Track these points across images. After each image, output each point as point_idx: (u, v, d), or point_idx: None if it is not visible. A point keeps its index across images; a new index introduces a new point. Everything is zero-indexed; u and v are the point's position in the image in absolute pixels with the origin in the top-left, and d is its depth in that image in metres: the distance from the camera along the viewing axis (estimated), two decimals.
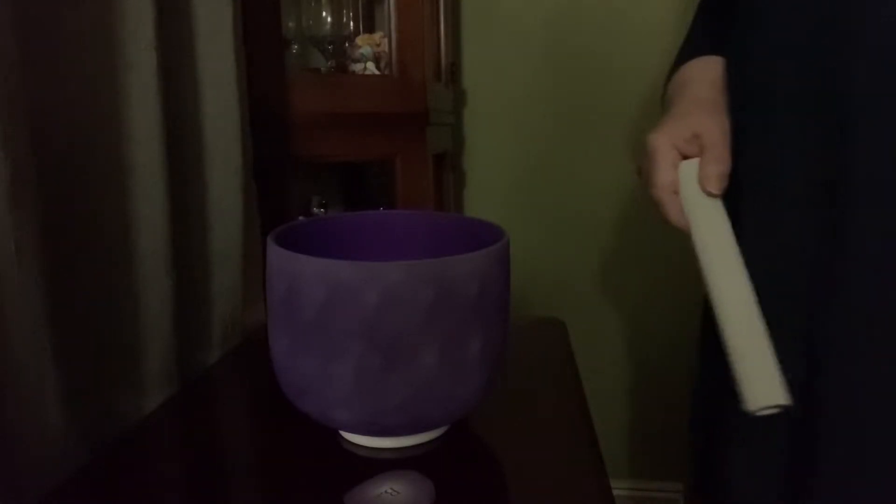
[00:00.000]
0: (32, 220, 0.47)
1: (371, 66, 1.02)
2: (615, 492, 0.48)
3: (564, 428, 0.57)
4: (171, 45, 0.65)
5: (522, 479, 0.50)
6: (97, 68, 0.56)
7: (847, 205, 0.55)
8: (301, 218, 0.98)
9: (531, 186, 1.42)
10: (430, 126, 1.03)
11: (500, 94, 1.39)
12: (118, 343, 0.60)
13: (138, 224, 0.61)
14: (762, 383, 0.49)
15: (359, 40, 1.04)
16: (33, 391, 0.49)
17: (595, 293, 1.44)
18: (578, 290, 1.44)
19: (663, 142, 0.58)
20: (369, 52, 1.02)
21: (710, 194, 0.55)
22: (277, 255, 0.48)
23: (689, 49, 0.70)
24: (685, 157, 0.58)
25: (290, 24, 1.03)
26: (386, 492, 0.45)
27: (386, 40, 1.01)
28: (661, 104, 0.71)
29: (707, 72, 0.65)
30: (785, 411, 0.49)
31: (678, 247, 1.38)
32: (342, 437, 0.54)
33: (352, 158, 1.10)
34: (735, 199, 0.59)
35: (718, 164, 0.56)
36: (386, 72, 1.02)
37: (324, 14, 1.04)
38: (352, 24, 1.09)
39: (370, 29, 1.22)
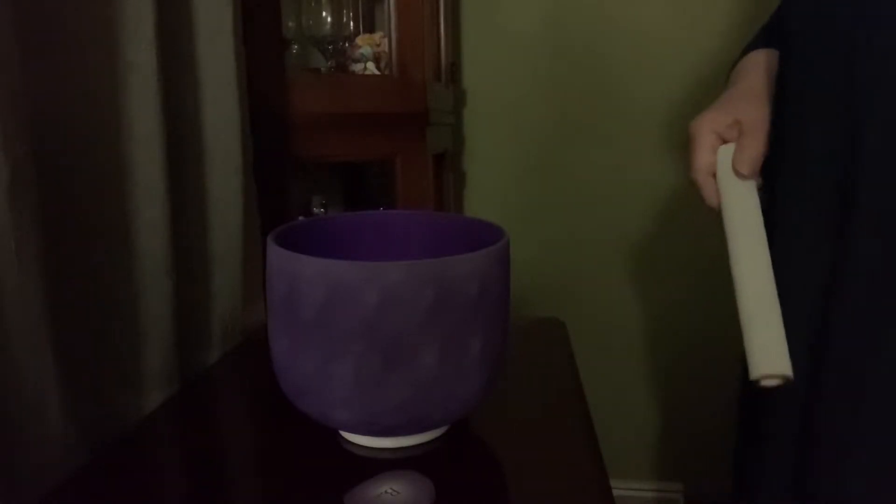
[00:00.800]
0: (32, 220, 0.47)
1: (371, 66, 1.02)
2: (615, 492, 0.48)
3: (564, 428, 0.57)
4: (171, 45, 0.65)
5: (522, 479, 0.50)
6: (97, 68, 0.57)
7: (854, 202, 0.56)
8: (301, 218, 0.98)
9: (531, 186, 1.42)
10: (430, 126, 1.03)
11: (500, 94, 1.39)
12: (118, 343, 0.60)
13: (138, 224, 0.61)
14: (769, 352, 0.51)
15: (359, 40, 1.04)
16: (33, 391, 0.49)
17: (595, 293, 1.44)
18: (578, 291, 1.44)
19: (703, 126, 0.62)
20: (369, 52, 1.02)
21: (741, 176, 0.59)
22: (277, 255, 0.48)
23: (753, 42, 0.72)
24: (725, 143, 0.61)
25: (290, 24, 1.03)
26: (386, 492, 0.45)
27: (386, 40, 1.01)
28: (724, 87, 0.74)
29: (760, 63, 0.68)
30: (787, 385, 0.50)
31: (679, 246, 1.38)
32: (342, 437, 0.54)
33: (352, 158, 1.10)
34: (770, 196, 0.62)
35: (752, 148, 0.59)
36: (386, 72, 1.02)
37: (324, 14, 1.04)
38: (352, 24, 1.09)
39: (370, 29, 1.22)
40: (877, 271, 0.55)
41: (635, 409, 1.48)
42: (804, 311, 0.59)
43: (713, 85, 1.27)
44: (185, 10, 0.68)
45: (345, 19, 1.06)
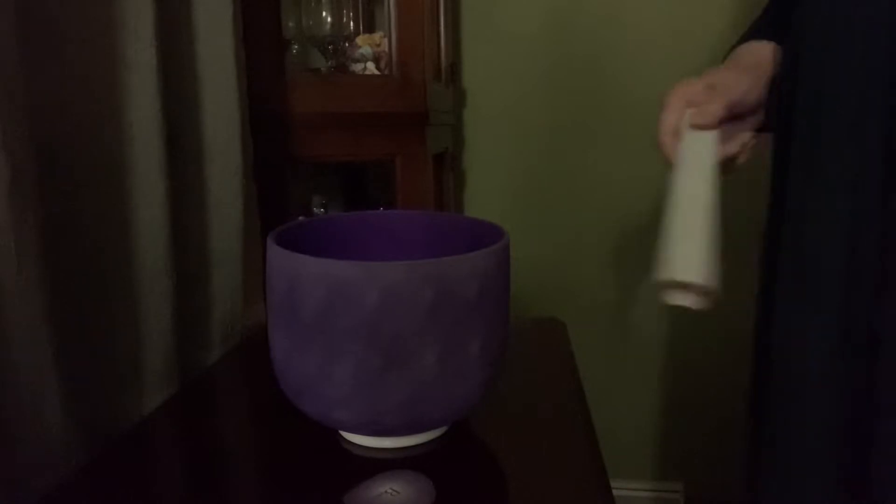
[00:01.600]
0: (32, 220, 0.47)
1: (371, 66, 1.02)
2: (615, 492, 0.48)
3: (564, 428, 0.57)
4: (170, 44, 0.65)
5: (522, 479, 0.50)
6: (97, 68, 0.57)
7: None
8: (301, 218, 0.98)
9: (531, 186, 1.42)
10: (430, 126, 1.03)
11: (500, 94, 1.39)
12: (118, 343, 0.60)
13: (138, 224, 0.61)
14: (687, 259, 0.50)
15: (359, 40, 1.04)
16: (33, 391, 0.49)
17: (595, 293, 1.44)
18: (578, 291, 1.44)
19: (675, 91, 0.65)
20: (369, 52, 1.02)
21: (696, 126, 0.61)
22: (277, 255, 0.48)
23: (747, 35, 0.73)
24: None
25: (290, 24, 1.03)
26: (386, 492, 0.45)
27: (386, 40, 1.01)
28: None
29: (751, 51, 0.69)
30: (705, 301, 0.49)
31: None
32: (342, 437, 0.54)
33: (352, 158, 1.10)
34: (781, 198, 0.63)
35: (711, 103, 0.61)
36: (386, 72, 1.01)
37: (324, 14, 1.04)
38: (352, 24, 1.09)
39: (370, 29, 1.22)
40: None
41: (635, 409, 1.48)
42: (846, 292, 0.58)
43: None
44: (185, 9, 0.68)
45: (345, 19, 1.06)
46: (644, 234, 1.40)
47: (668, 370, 1.45)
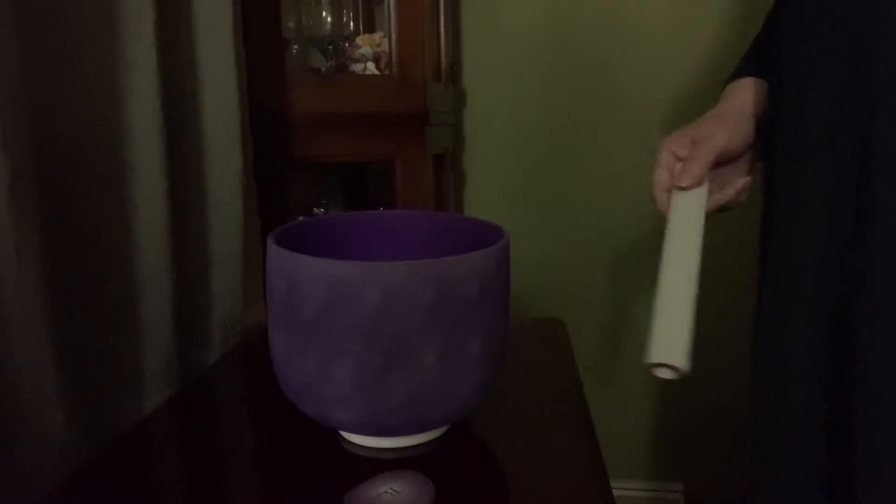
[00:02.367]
0: (32, 220, 0.47)
1: (371, 66, 1.02)
2: (615, 492, 0.48)
3: (564, 428, 0.57)
4: (171, 45, 0.65)
5: (522, 479, 0.50)
6: (97, 68, 0.56)
7: (871, 208, 0.56)
8: (301, 218, 0.98)
9: (531, 186, 1.42)
10: (430, 126, 1.03)
11: (500, 94, 1.39)
12: (118, 343, 0.60)
13: (138, 224, 0.61)
14: (667, 343, 0.53)
15: (359, 40, 1.04)
16: (33, 391, 0.49)
17: (595, 293, 1.44)
18: (578, 291, 1.44)
19: (664, 147, 0.67)
20: (369, 52, 1.02)
21: (680, 188, 0.64)
22: (277, 255, 0.48)
23: (736, 71, 0.74)
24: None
25: (290, 24, 1.03)
26: (386, 492, 0.45)
27: (386, 40, 1.01)
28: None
29: (741, 88, 0.70)
30: (681, 377, 0.52)
31: None
32: (342, 437, 0.54)
33: (352, 158, 1.10)
34: (767, 207, 0.66)
35: (694, 162, 0.63)
36: (386, 72, 1.02)
37: (324, 14, 1.04)
38: (352, 24, 1.09)
39: (370, 29, 1.22)
40: None
41: (635, 408, 1.48)
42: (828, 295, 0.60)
43: (714, 85, 1.27)
44: (185, 9, 0.68)
45: (345, 19, 1.06)
46: (644, 234, 1.40)
47: None
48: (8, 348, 0.46)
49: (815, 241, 0.60)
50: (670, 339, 0.53)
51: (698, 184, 0.63)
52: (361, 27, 1.19)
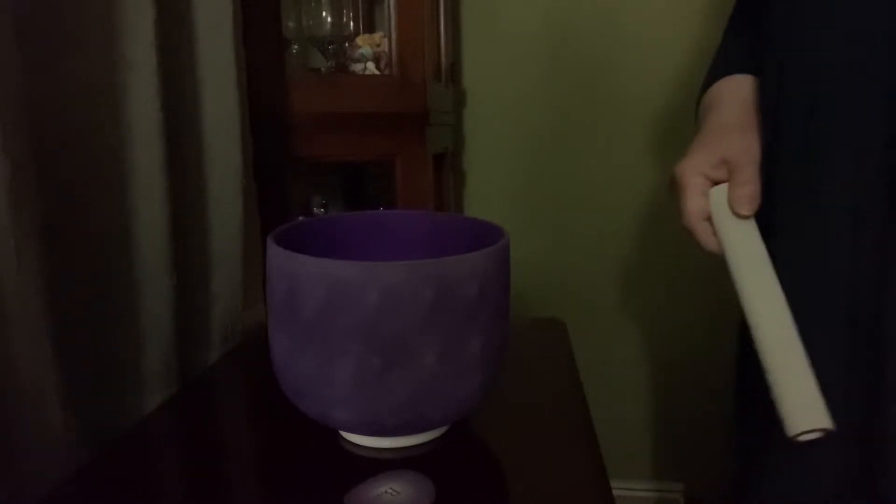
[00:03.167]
0: (32, 220, 0.47)
1: (371, 66, 1.02)
2: (615, 492, 0.48)
3: (564, 428, 0.57)
4: (171, 45, 0.65)
5: (522, 479, 0.50)
6: (97, 68, 0.56)
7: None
8: (301, 218, 0.98)
9: (531, 186, 1.42)
10: (430, 126, 1.03)
11: (500, 94, 1.39)
12: (118, 343, 0.60)
13: (138, 224, 0.61)
14: (803, 407, 0.48)
15: (359, 40, 1.04)
16: (33, 391, 0.49)
17: (595, 293, 1.44)
18: (578, 290, 1.44)
19: (690, 171, 0.59)
20: (369, 52, 1.02)
21: (741, 216, 0.56)
22: (277, 255, 0.48)
23: (721, 65, 0.69)
24: (715, 183, 0.59)
25: (290, 24, 1.03)
26: (386, 492, 0.45)
27: (386, 40, 1.01)
28: (694, 120, 0.71)
29: (737, 92, 0.65)
30: (827, 435, 0.48)
31: (679, 246, 1.38)
32: (342, 437, 0.54)
33: (352, 158, 1.10)
34: (769, 214, 0.59)
35: (747, 185, 0.56)
36: (386, 72, 1.02)
37: (324, 14, 1.04)
38: (352, 24, 1.09)
39: (370, 29, 1.22)
40: None
41: (635, 409, 1.48)
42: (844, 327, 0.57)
43: None
44: (185, 9, 0.68)
45: (345, 19, 1.06)
46: (644, 234, 1.40)
47: (669, 370, 1.45)
48: (8, 348, 0.46)
49: (840, 246, 0.57)
50: (805, 404, 0.48)
51: (756, 209, 0.56)
52: (361, 27, 1.19)
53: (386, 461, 0.51)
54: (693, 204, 0.58)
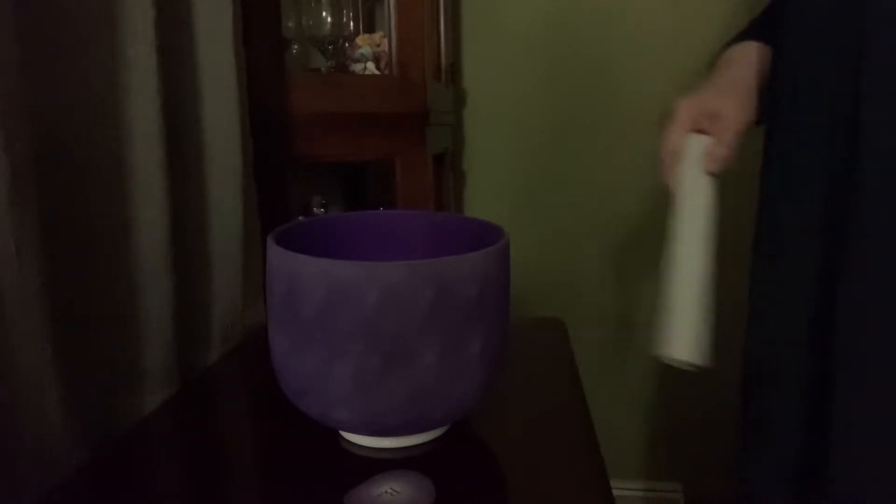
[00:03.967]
0: (32, 220, 0.47)
1: (371, 66, 1.02)
2: (615, 492, 0.48)
3: (564, 428, 0.57)
4: (171, 45, 0.65)
5: (522, 479, 0.50)
6: (97, 68, 0.56)
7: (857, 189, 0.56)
8: (301, 218, 0.98)
9: (531, 186, 1.42)
10: (430, 126, 1.03)
11: (500, 94, 1.39)
12: (118, 343, 0.60)
13: (138, 224, 0.61)
14: (687, 339, 0.53)
15: (359, 40, 1.04)
16: (33, 391, 0.49)
17: (595, 293, 1.44)
18: (578, 290, 1.44)
19: (684, 110, 0.64)
20: (369, 52, 1.02)
21: (709, 172, 0.62)
22: (277, 255, 0.48)
23: (741, 34, 0.73)
24: (700, 132, 0.64)
25: (290, 24, 1.03)
26: (386, 492, 0.45)
27: (386, 40, 1.01)
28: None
29: (748, 55, 0.69)
30: (696, 371, 0.53)
31: None
32: (342, 437, 0.54)
33: (352, 158, 1.10)
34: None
35: (726, 148, 0.61)
36: (386, 72, 1.02)
37: (324, 14, 1.04)
38: (352, 24, 1.09)
39: (370, 29, 1.22)
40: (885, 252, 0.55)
41: (635, 408, 1.48)
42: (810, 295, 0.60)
43: None
44: (185, 9, 0.68)
45: (345, 19, 1.06)
46: (644, 234, 1.40)
47: (668, 370, 1.45)
48: (8, 348, 0.46)
49: (808, 213, 0.61)
50: (691, 336, 0.53)
51: (722, 171, 0.62)
52: (361, 27, 1.19)
53: (386, 461, 0.51)
54: (671, 140, 0.64)
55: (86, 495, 0.48)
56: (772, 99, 0.66)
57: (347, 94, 0.96)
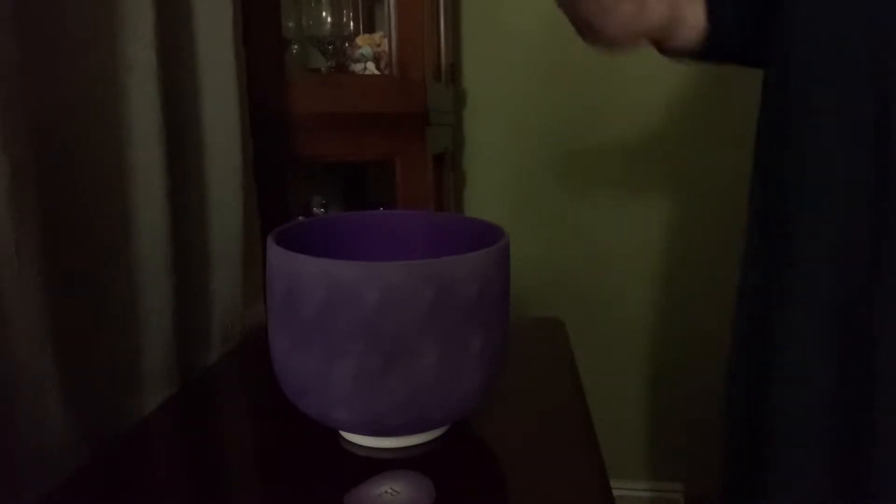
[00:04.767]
0: (32, 220, 0.47)
1: (371, 66, 1.02)
2: (615, 492, 0.48)
3: (564, 428, 0.57)
4: (171, 45, 0.65)
5: (522, 479, 0.50)
6: (97, 68, 0.56)
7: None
8: (301, 218, 0.98)
9: (531, 186, 1.42)
10: (430, 126, 1.03)
11: (500, 94, 1.39)
12: (118, 343, 0.60)
13: (138, 224, 0.61)
14: None
15: (359, 40, 1.04)
16: (33, 391, 0.49)
17: (595, 293, 1.44)
18: (578, 290, 1.44)
19: None
20: (369, 52, 1.02)
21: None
22: (277, 255, 0.48)
23: None
24: None
25: (290, 24, 1.03)
26: (386, 492, 0.45)
27: (386, 40, 1.01)
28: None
29: None
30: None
31: (679, 246, 1.38)
32: (342, 437, 0.54)
33: (352, 158, 1.10)
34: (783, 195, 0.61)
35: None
36: (386, 72, 1.02)
37: (324, 14, 1.04)
38: (352, 24, 1.09)
39: (370, 29, 1.22)
40: None
41: (635, 408, 1.49)
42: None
43: (716, 84, 1.27)
44: (185, 9, 0.68)
45: (345, 19, 1.06)
46: (644, 234, 1.40)
47: (669, 370, 1.45)
48: (8, 348, 0.46)
49: (830, 245, 0.58)
50: None
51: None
52: (361, 27, 1.19)
53: (386, 461, 0.51)
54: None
55: (86, 495, 0.48)
56: (767, 111, 0.64)
57: (347, 94, 0.96)
